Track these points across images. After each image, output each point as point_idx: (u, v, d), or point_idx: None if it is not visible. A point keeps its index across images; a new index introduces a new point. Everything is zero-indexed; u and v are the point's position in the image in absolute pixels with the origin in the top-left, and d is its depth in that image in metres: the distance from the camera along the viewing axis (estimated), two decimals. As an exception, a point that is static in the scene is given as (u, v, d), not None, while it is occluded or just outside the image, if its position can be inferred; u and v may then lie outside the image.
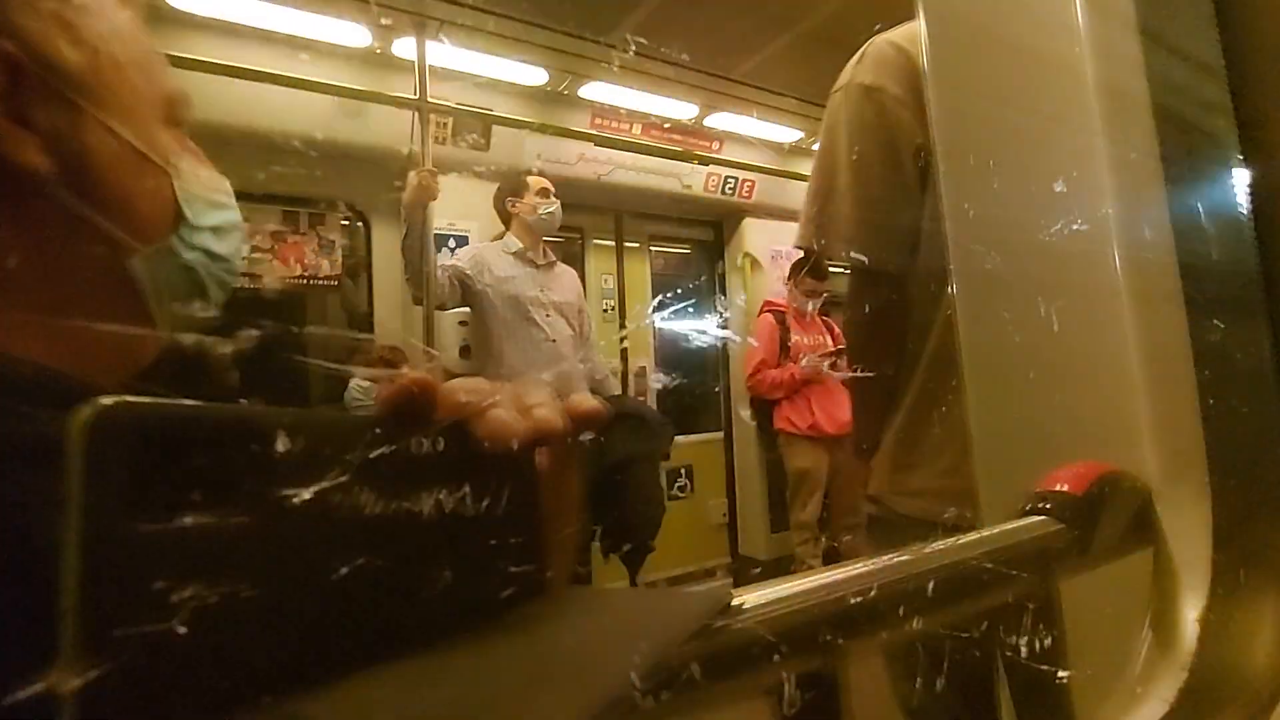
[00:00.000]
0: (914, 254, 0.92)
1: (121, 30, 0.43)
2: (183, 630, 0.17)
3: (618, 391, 2.97)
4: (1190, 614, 0.45)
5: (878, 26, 0.97)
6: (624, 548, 2.44)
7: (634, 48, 2.85)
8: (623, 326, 3.84)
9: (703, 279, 4.32)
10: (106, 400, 0.17)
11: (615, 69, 3.04)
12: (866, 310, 1.01)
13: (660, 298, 4.11)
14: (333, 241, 2.99)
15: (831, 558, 3.14)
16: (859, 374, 1.06)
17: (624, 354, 3.80)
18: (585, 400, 0.29)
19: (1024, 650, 0.39)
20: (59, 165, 0.38)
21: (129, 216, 0.42)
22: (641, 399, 3.78)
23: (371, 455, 0.22)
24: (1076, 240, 0.51)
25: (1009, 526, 0.45)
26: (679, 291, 4.18)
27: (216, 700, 0.18)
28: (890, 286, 0.96)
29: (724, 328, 4.03)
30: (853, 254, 0.95)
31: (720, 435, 4.08)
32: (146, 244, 0.43)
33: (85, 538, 0.16)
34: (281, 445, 0.20)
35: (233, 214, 0.50)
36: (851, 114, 0.95)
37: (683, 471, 3.89)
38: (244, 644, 0.19)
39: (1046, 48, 0.53)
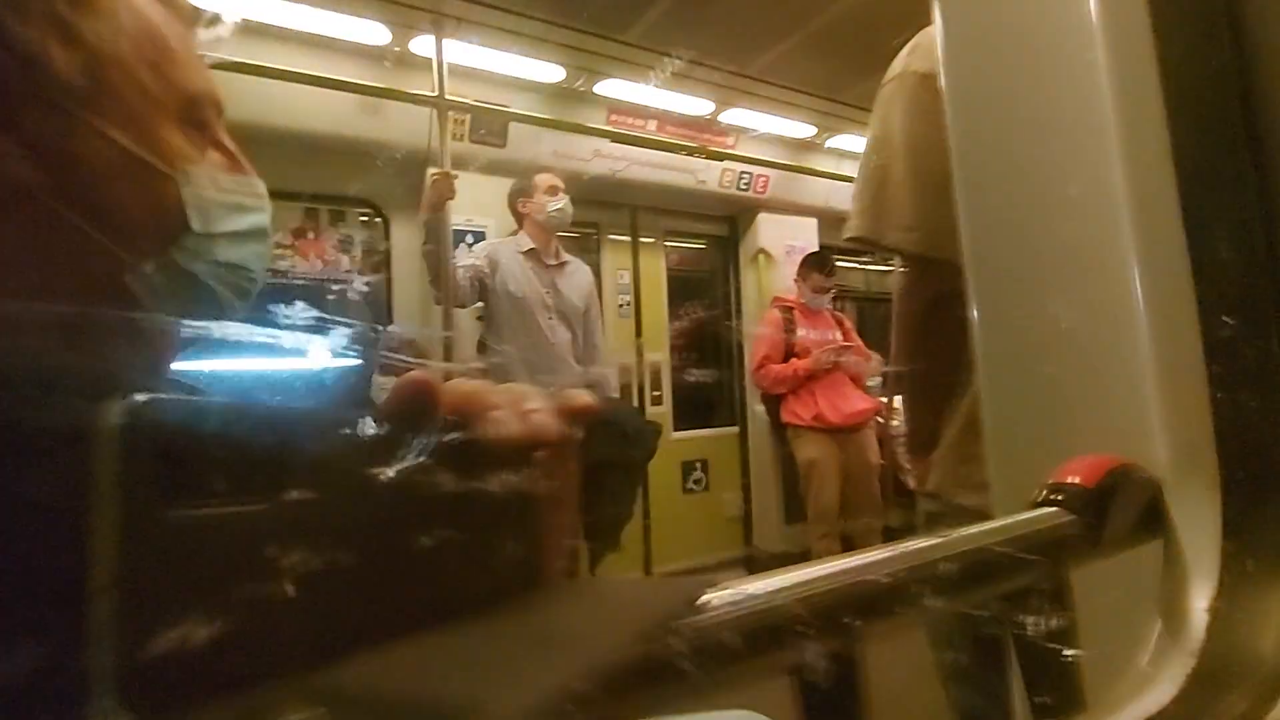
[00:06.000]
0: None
1: (132, 28, 0.40)
2: (205, 612, 0.18)
3: (615, 395, 2.99)
4: (1200, 603, 0.46)
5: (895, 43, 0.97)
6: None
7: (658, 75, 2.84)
8: (638, 321, 3.84)
9: (717, 274, 4.32)
10: (139, 398, 0.19)
11: (631, 65, 3.04)
12: (923, 302, 0.98)
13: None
14: (351, 237, 3.02)
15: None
16: (909, 371, 1.03)
17: (639, 349, 3.82)
18: (578, 397, 0.31)
19: (1035, 634, 0.40)
20: (45, 173, 0.36)
21: (121, 226, 0.40)
22: (656, 394, 3.79)
23: (378, 448, 0.23)
24: (1089, 237, 0.52)
25: (1022, 517, 0.46)
26: (694, 286, 4.18)
27: (238, 674, 0.19)
28: (950, 275, 0.93)
29: (737, 322, 4.03)
30: (911, 241, 0.94)
31: (735, 429, 4.09)
32: (143, 255, 0.40)
33: (118, 526, 0.17)
34: (296, 438, 0.21)
35: (256, 217, 0.47)
36: (909, 101, 0.95)
37: (698, 465, 3.91)
38: (261, 624, 0.20)
39: (1062, 49, 0.54)
